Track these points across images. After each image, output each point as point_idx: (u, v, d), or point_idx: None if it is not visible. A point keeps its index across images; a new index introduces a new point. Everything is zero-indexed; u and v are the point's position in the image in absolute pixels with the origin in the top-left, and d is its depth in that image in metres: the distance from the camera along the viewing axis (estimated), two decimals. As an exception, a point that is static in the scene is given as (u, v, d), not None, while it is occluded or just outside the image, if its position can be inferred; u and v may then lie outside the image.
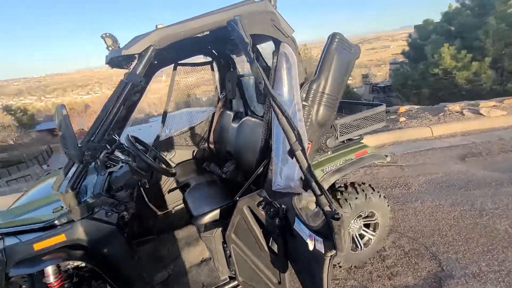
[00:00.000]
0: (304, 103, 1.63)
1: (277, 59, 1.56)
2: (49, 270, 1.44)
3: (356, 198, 2.14)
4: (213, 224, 1.93)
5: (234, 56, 2.75)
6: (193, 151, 3.06)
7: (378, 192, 2.28)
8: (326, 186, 1.97)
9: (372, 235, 2.37)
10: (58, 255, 1.30)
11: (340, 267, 2.30)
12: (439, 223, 2.73)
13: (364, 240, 2.38)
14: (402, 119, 5.93)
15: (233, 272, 1.85)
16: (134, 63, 1.41)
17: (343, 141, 2.28)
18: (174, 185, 2.72)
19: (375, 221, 2.34)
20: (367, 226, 2.39)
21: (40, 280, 1.43)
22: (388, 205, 2.35)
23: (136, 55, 1.40)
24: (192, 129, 3.00)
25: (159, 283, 1.87)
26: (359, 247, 2.31)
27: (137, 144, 1.80)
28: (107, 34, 1.47)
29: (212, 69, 2.96)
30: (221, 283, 1.87)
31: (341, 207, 2.10)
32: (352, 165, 2.09)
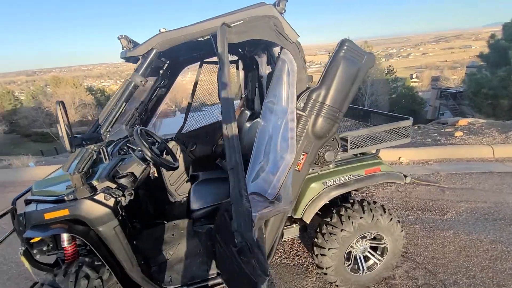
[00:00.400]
0: (301, 112, 1.57)
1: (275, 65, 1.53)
2: (64, 236, 1.70)
3: (361, 217, 1.98)
4: (207, 220, 2.01)
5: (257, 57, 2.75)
6: (213, 146, 3.19)
7: (390, 214, 2.07)
8: (323, 201, 1.88)
9: (378, 259, 2.17)
10: (62, 226, 1.52)
11: (337, 286, 2.17)
12: (470, 261, 2.35)
13: (369, 264, 2.19)
14: (458, 133, 5.16)
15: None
16: (138, 63, 1.54)
17: (356, 155, 2.13)
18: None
19: (383, 245, 2.14)
20: (374, 249, 2.20)
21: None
22: (402, 230, 2.12)
23: (140, 57, 1.53)
24: (213, 125, 3.12)
25: (154, 265, 2.04)
26: (361, 269, 2.15)
27: (146, 136, 1.96)
28: (123, 36, 1.62)
29: (237, 68, 3.01)
30: (209, 277, 1.95)
31: (342, 224, 1.97)
32: (359, 182, 1.95)
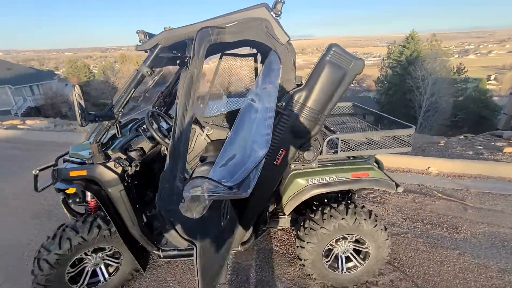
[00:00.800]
0: (282, 111, 1.67)
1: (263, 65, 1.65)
2: (88, 192, 2.12)
3: (343, 219, 2.03)
4: None
5: None
6: (227, 133, 3.41)
7: (375, 221, 2.07)
8: (304, 197, 1.97)
9: (359, 263, 2.20)
10: (81, 183, 1.91)
11: (314, 279, 2.27)
12: (465, 285, 2.22)
13: (349, 265, 2.24)
14: (508, 149, 4.53)
15: None
16: (146, 56, 1.80)
17: (349, 157, 2.15)
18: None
19: (365, 250, 2.16)
20: (357, 252, 2.23)
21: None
22: (387, 239, 2.10)
23: (148, 50, 1.78)
24: (230, 113, 3.33)
25: (157, 230, 2.38)
26: (340, 268, 2.21)
27: (157, 117, 2.26)
28: (140, 31, 1.89)
29: (256, 61, 3.13)
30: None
31: (323, 222, 2.05)
32: (343, 184, 1.99)
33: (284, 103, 1.67)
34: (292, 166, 1.98)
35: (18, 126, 8.22)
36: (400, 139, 2.06)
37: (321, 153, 2.00)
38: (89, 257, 2.10)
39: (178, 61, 2.50)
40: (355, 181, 2.01)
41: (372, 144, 2.04)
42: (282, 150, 1.74)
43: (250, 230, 2.10)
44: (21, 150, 5.79)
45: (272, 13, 1.69)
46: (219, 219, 1.60)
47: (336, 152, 2.04)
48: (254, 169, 1.50)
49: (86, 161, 1.94)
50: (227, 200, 1.67)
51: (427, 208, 3.30)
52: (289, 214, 2.38)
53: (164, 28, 1.73)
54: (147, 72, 1.77)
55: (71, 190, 2.10)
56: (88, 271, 2.14)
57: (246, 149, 1.65)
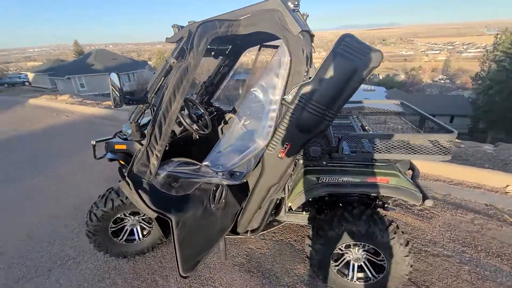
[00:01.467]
0: (288, 105, 1.64)
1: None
2: None
3: (354, 224, 1.88)
4: None
5: None
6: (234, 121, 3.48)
7: (394, 233, 1.85)
8: (312, 195, 1.91)
9: (373, 275, 2.03)
10: (121, 155, 2.29)
11: (321, 280, 2.20)
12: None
13: (361, 275, 2.08)
14: None
15: None
16: (174, 48, 1.99)
17: (373, 159, 1.96)
18: None
19: (380, 262, 1.97)
20: (372, 263, 2.05)
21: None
22: (407, 256, 1.87)
23: (175, 43, 1.97)
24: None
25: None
26: (350, 276, 2.08)
27: (189, 104, 2.49)
28: (175, 25, 2.10)
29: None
30: None
31: (332, 223, 1.95)
32: (356, 187, 1.86)
33: (291, 96, 1.64)
34: (302, 162, 1.94)
35: (113, 107, 10.04)
36: (437, 146, 1.78)
37: (336, 152, 1.91)
38: (128, 218, 2.51)
39: (212, 53, 2.66)
40: (371, 186, 1.84)
41: (398, 148, 1.81)
42: (286, 144, 1.71)
43: (259, 220, 2.15)
44: (113, 127, 7.09)
45: (289, 3, 1.66)
46: (207, 201, 1.71)
47: (354, 152, 1.90)
48: (252, 158, 1.54)
49: (128, 138, 2.31)
50: (223, 185, 1.76)
51: (488, 233, 2.73)
52: (301, 210, 2.33)
53: (188, 22, 1.89)
54: (173, 62, 1.98)
55: (121, 161, 2.53)
56: (127, 229, 2.56)
57: (247, 138, 1.70)
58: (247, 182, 1.88)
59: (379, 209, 2.24)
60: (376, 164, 1.93)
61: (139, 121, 2.22)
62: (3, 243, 2.95)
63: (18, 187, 4.19)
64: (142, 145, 2.20)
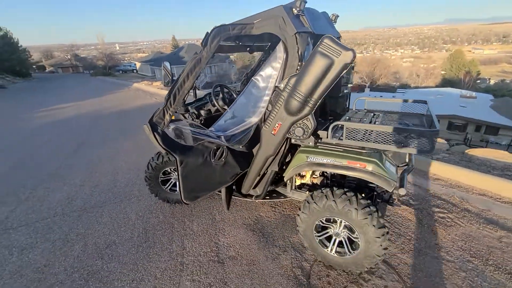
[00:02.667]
0: (280, 91, 2.05)
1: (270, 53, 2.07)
2: None
3: (333, 200, 2.17)
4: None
5: None
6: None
7: (368, 214, 2.06)
8: (300, 170, 2.27)
9: (349, 251, 2.26)
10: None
11: (305, 248, 2.52)
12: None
13: (339, 249, 2.33)
14: None
15: None
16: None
17: (362, 148, 2.17)
18: None
19: (355, 240, 2.19)
20: (351, 241, 2.28)
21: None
22: (380, 237, 2.05)
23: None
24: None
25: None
26: (329, 248, 2.35)
27: (223, 89, 3.09)
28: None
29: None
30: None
31: (317, 198, 2.26)
32: (336, 168, 2.14)
33: (283, 85, 2.04)
34: (300, 142, 2.29)
35: (164, 85, 11.83)
36: (419, 139, 1.89)
37: (327, 137, 2.21)
38: (173, 173, 3.32)
39: (248, 48, 3.19)
40: (349, 168, 2.08)
41: (385, 138, 1.99)
42: (278, 123, 2.13)
43: (262, 187, 2.62)
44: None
45: (294, 9, 2.05)
46: (207, 155, 2.22)
47: (341, 139, 2.17)
48: (247, 130, 2.04)
49: (177, 110, 3.09)
50: (223, 147, 2.28)
51: (483, 241, 2.49)
52: (306, 190, 2.67)
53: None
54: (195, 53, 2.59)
55: None
56: (171, 181, 3.39)
57: (245, 114, 2.19)
58: (247, 152, 2.38)
59: (384, 204, 2.39)
60: (359, 151, 2.14)
61: (185, 99, 2.96)
62: (98, 180, 4.25)
63: (110, 146, 5.72)
64: (184, 117, 2.96)
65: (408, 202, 3.35)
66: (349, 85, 3.09)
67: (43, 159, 5.38)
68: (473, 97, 30.02)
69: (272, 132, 2.19)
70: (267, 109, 2.18)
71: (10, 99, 14.75)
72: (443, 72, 53.63)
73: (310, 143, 2.24)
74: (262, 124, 2.22)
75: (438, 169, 4.07)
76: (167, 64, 2.53)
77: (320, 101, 1.96)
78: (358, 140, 2.06)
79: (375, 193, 2.47)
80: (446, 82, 47.25)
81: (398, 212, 3.14)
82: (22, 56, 30.46)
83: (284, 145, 2.32)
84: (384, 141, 1.97)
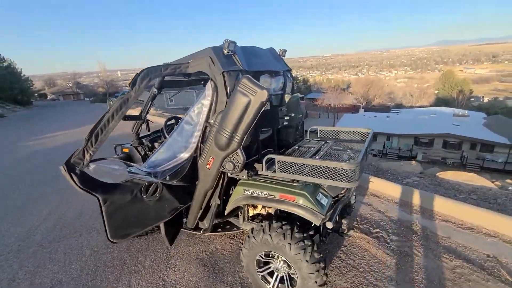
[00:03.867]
0: (210, 126, 2.11)
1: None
2: None
3: (269, 235, 2.14)
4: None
5: None
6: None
7: (301, 249, 2.02)
8: (237, 203, 2.26)
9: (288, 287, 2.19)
10: (123, 155, 3.12)
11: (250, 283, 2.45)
12: None
13: (281, 286, 2.26)
14: None
15: None
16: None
17: (294, 180, 2.19)
18: None
19: (292, 275, 2.13)
20: (290, 278, 2.21)
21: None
22: (314, 274, 2.00)
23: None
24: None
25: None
26: (271, 284, 2.29)
27: (176, 122, 3.17)
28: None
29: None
30: None
31: (255, 232, 2.23)
32: (268, 201, 2.15)
33: (213, 121, 2.11)
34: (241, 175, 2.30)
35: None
36: (343, 173, 1.91)
37: (262, 169, 2.23)
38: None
39: (201, 82, 3.32)
40: (280, 202, 2.08)
41: (317, 171, 1.99)
42: (211, 158, 2.16)
43: (208, 220, 2.59)
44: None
45: (224, 50, 2.17)
46: (137, 191, 2.20)
47: (274, 171, 2.19)
48: (178, 165, 2.07)
49: (131, 143, 3.14)
50: (159, 183, 2.29)
51: (463, 285, 2.41)
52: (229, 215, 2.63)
53: (163, 63, 2.58)
54: (154, 91, 2.69)
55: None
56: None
57: (177, 150, 2.23)
58: (189, 186, 2.39)
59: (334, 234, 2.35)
60: (293, 184, 2.15)
61: (138, 131, 3.03)
62: (65, 211, 4.21)
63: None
64: (137, 150, 3.01)
65: (368, 230, 3.29)
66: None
67: (20, 187, 5.36)
68: (466, 116, 30.44)
69: (207, 166, 2.22)
70: (201, 143, 2.23)
71: (5, 127, 14.96)
72: (436, 92, 54.78)
73: (244, 177, 2.26)
74: (199, 158, 2.26)
75: (404, 194, 4.04)
76: (110, 101, 2.61)
77: (246, 136, 2.00)
78: (290, 173, 2.08)
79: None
80: (440, 101, 48.09)
81: (356, 242, 3.08)
82: (24, 85, 31.42)
83: (222, 178, 2.33)
84: (312, 173, 1.99)
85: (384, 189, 4.29)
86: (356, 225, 3.40)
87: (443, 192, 4.13)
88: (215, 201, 2.45)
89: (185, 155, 2.20)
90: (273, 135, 2.86)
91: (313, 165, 1.97)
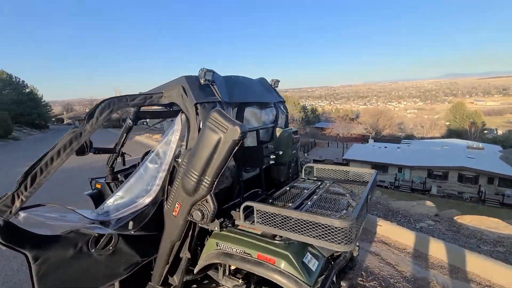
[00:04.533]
0: (178, 167, 1.79)
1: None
2: None
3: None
4: None
5: None
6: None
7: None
8: (209, 260, 1.86)
9: None
10: (96, 192, 2.80)
11: None
12: None
13: None
14: None
15: None
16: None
17: (278, 236, 1.79)
18: None
19: None
20: None
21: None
22: None
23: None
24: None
25: None
26: None
27: None
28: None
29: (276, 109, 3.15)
30: None
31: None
32: (243, 262, 1.74)
33: (180, 160, 1.79)
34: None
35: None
36: (334, 232, 1.50)
37: (239, 218, 1.85)
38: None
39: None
40: (257, 264, 1.67)
41: (296, 225, 1.61)
42: (178, 203, 1.81)
43: (178, 277, 2.16)
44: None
45: (201, 80, 1.92)
46: (83, 244, 1.84)
47: (252, 223, 1.80)
48: (136, 212, 1.72)
49: (105, 179, 2.83)
50: (115, 234, 1.91)
51: None
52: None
53: (139, 92, 2.35)
54: (129, 123, 2.44)
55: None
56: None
57: (138, 193, 1.89)
58: (154, 236, 2.00)
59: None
60: (275, 241, 1.75)
61: (113, 165, 2.74)
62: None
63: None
64: (109, 186, 2.69)
65: (375, 290, 2.75)
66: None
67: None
68: (481, 148, 29.31)
69: (173, 213, 1.86)
70: (169, 185, 1.89)
71: (16, 150, 15.16)
72: (447, 123, 53.85)
73: (216, 228, 1.87)
74: (165, 202, 1.91)
75: (418, 243, 3.50)
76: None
77: (216, 180, 1.66)
78: (272, 226, 1.69)
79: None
80: (452, 133, 47.04)
81: (360, 306, 2.54)
82: (43, 110, 33.03)
83: (192, 228, 1.95)
84: (297, 228, 1.59)
85: (394, 235, 3.75)
86: (360, 282, 2.87)
87: (463, 241, 3.56)
88: (185, 254, 2.04)
89: (146, 199, 1.86)
90: (260, 174, 2.51)
91: (298, 219, 1.59)
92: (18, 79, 30.78)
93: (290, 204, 2.06)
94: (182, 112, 1.88)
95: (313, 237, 1.54)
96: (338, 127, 40.67)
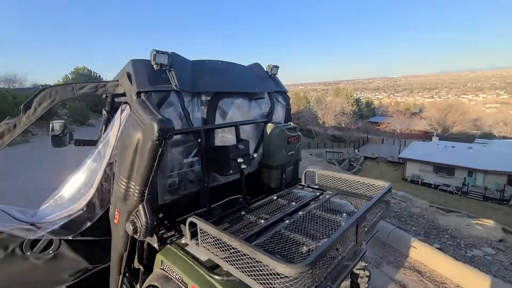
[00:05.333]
0: (113, 167, 1.51)
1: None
2: None
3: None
4: None
5: None
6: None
7: None
8: (148, 282, 1.56)
9: None
10: None
11: None
12: None
13: None
14: None
15: None
16: None
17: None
18: None
19: None
20: None
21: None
22: None
23: None
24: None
25: None
26: None
27: None
28: None
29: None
30: None
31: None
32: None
33: (113, 161, 1.50)
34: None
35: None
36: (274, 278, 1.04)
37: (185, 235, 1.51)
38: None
39: None
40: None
41: (241, 258, 1.19)
42: (117, 211, 1.54)
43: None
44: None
45: (153, 64, 1.61)
46: (15, 247, 1.71)
47: (197, 243, 1.43)
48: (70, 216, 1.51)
49: None
50: (57, 239, 1.72)
51: None
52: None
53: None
54: (104, 115, 2.26)
55: None
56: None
57: (75, 195, 1.66)
58: (102, 242, 1.79)
59: None
60: (211, 273, 1.35)
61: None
62: None
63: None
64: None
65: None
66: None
67: None
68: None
69: (115, 221, 1.60)
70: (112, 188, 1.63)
71: (85, 135, 17.41)
72: (541, 121, 43.98)
73: (155, 244, 1.54)
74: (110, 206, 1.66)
75: (466, 279, 2.66)
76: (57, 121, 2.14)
77: (146, 189, 1.33)
78: (216, 249, 1.30)
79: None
80: (547, 133, 38.25)
81: None
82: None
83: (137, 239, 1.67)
84: (242, 262, 1.17)
85: (432, 262, 2.95)
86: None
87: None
88: (139, 265, 1.79)
89: (82, 202, 1.63)
90: (241, 178, 2.09)
91: (241, 251, 1.16)
92: (96, 74, 35.64)
93: (262, 221, 1.63)
94: (125, 103, 1.59)
95: (254, 279, 1.11)
96: (396, 122, 36.65)
